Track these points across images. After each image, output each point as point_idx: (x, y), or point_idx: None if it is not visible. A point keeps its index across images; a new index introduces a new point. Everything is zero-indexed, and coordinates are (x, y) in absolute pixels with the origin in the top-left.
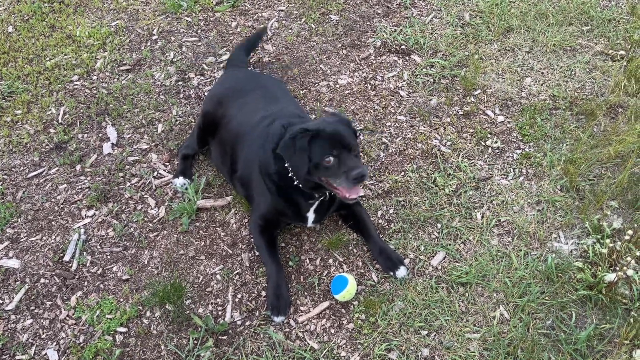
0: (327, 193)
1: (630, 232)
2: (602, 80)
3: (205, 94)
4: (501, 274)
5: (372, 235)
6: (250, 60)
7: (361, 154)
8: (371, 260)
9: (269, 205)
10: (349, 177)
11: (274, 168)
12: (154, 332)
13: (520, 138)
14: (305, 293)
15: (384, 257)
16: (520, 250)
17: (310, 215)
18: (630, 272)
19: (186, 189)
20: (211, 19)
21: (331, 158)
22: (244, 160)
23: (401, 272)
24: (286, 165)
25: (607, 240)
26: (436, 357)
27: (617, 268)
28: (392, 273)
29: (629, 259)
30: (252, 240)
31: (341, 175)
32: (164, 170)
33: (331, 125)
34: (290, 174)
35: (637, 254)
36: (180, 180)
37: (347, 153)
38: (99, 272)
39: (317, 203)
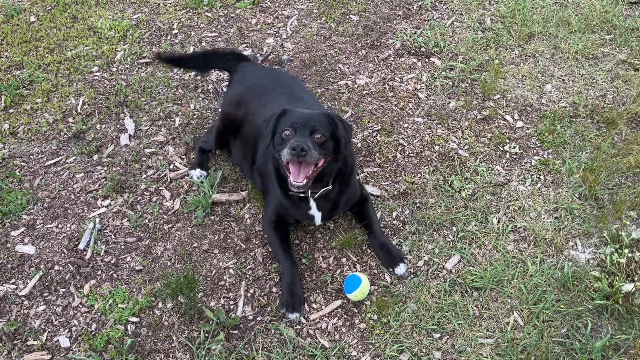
0: (309, 192)
1: None
2: (624, 90)
3: (223, 90)
4: (516, 280)
5: (375, 229)
6: (269, 57)
7: (377, 155)
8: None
9: (278, 198)
10: (289, 147)
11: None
12: (166, 323)
13: (539, 144)
14: (318, 291)
15: (385, 252)
16: (536, 257)
17: (316, 214)
18: None
19: (202, 181)
20: (231, 15)
21: (288, 131)
22: (261, 150)
23: (400, 269)
24: None
25: (626, 250)
26: None
27: (635, 278)
28: (391, 269)
29: None
30: (265, 236)
31: (286, 146)
32: (180, 163)
33: (308, 110)
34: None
35: None
36: (197, 172)
37: (306, 132)
38: (112, 261)
39: (313, 202)
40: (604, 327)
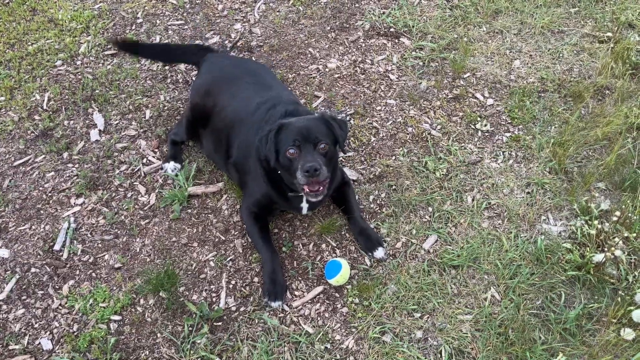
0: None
1: (617, 213)
2: (590, 63)
3: (193, 79)
4: (492, 256)
5: (355, 215)
6: (238, 44)
7: (352, 140)
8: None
9: (263, 191)
10: (302, 169)
11: (264, 154)
12: (149, 319)
13: (510, 121)
14: (299, 278)
15: (364, 236)
16: (511, 232)
17: (304, 205)
18: (617, 252)
19: (176, 174)
20: (197, 1)
21: (293, 150)
22: (239, 145)
23: (379, 252)
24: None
25: (595, 222)
26: (429, 338)
27: (605, 249)
28: (370, 253)
29: (616, 239)
30: (245, 226)
31: (298, 168)
32: (153, 157)
33: (303, 120)
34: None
35: (625, 234)
36: (171, 165)
37: (310, 147)
38: (90, 260)
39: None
40: (577, 297)
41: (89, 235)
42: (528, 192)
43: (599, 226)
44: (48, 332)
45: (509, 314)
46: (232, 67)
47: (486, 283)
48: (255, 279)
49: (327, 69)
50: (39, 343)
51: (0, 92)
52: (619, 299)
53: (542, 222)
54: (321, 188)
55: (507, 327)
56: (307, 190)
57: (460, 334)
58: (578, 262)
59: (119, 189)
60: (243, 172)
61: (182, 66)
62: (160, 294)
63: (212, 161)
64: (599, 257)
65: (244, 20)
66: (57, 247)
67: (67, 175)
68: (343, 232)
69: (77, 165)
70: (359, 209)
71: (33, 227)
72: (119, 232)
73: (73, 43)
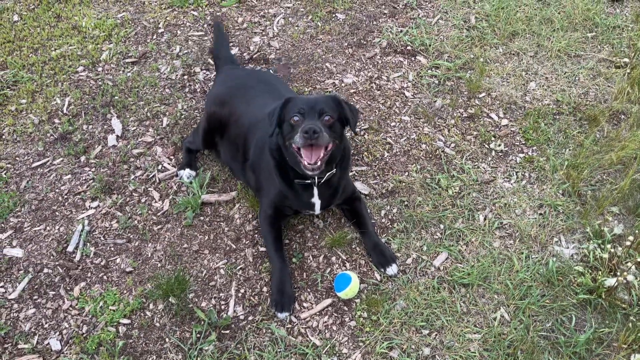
0: (316, 178)
1: (631, 237)
2: (606, 87)
3: (209, 89)
4: (502, 276)
5: (369, 229)
6: (253, 57)
7: (365, 154)
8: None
9: (276, 189)
10: (301, 130)
11: (275, 143)
12: (157, 324)
13: (524, 142)
14: (308, 290)
15: (378, 252)
16: (522, 253)
17: (316, 201)
18: (630, 277)
19: (191, 182)
20: (217, 13)
21: (297, 117)
22: (255, 145)
23: (392, 269)
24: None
25: (608, 246)
26: (437, 356)
27: (618, 273)
28: (382, 269)
29: (629, 264)
30: (260, 229)
31: (297, 132)
32: (169, 163)
33: (312, 95)
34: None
35: (638, 259)
36: (186, 172)
37: (314, 116)
38: (102, 263)
39: (316, 189)
40: (588, 321)
41: (102, 238)
42: (540, 214)
43: (612, 250)
44: (57, 333)
45: (519, 335)
46: (245, 76)
47: (496, 303)
48: (265, 289)
49: (343, 84)
50: (48, 343)
51: (22, 95)
52: (630, 324)
53: (554, 244)
54: (319, 163)
55: (516, 349)
56: (305, 162)
57: (468, 353)
58: (589, 285)
59: (134, 194)
60: (258, 171)
61: (201, 76)
62: (170, 299)
63: (230, 168)
64: (610, 282)
65: (263, 33)
66: (70, 248)
67: (84, 178)
68: (354, 246)
69: (93, 169)
70: (372, 224)
71: (48, 228)
72: (131, 236)
73: (95, 50)
